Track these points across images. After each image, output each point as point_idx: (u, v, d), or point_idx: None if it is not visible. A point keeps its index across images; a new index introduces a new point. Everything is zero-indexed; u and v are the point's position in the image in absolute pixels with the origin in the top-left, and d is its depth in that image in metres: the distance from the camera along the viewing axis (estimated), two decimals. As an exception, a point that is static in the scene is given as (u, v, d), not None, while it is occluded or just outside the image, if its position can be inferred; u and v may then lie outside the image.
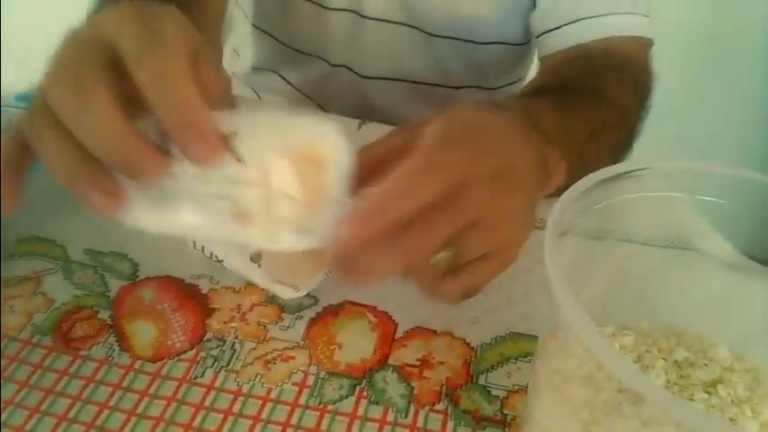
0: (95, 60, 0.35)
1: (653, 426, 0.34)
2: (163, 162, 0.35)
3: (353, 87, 0.84)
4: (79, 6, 0.57)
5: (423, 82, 0.82)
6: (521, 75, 0.87)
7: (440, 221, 0.38)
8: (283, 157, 0.36)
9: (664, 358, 0.40)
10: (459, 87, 0.83)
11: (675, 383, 0.38)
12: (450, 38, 0.78)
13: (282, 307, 0.52)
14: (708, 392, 0.38)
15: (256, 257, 0.39)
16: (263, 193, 0.36)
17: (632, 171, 0.42)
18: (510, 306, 0.53)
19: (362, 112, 0.85)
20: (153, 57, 0.34)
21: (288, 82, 0.89)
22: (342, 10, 0.78)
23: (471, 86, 0.84)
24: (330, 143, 0.37)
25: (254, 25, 0.88)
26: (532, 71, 0.87)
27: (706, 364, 0.39)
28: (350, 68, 0.82)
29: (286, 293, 0.49)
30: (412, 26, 0.77)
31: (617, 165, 0.41)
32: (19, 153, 0.38)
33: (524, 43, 0.80)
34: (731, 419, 0.37)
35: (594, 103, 0.60)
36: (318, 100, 0.89)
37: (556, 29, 0.70)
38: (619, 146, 0.62)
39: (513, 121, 0.44)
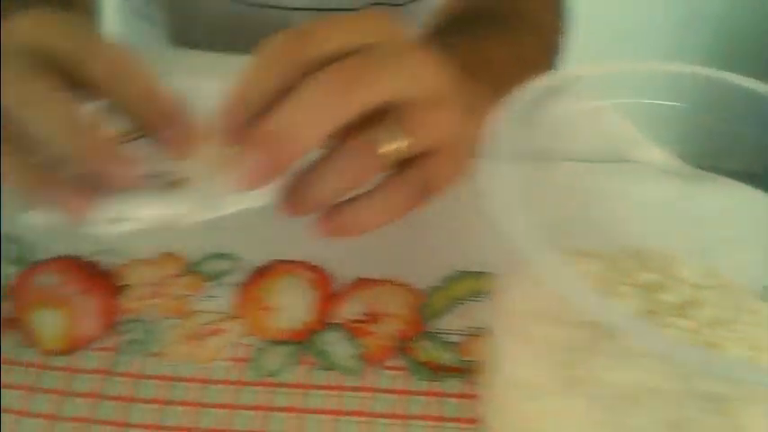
0: (33, 66, 0.33)
1: (634, 359, 0.31)
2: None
3: (235, 21, 0.76)
4: None
5: (324, 8, 0.75)
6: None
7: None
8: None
9: (630, 284, 0.37)
10: (362, 8, 0.77)
11: (649, 311, 0.35)
12: None
13: (204, 276, 0.47)
14: (681, 316, 0.35)
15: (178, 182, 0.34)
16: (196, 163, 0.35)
17: (561, 83, 0.37)
18: (451, 242, 0.49)
19: (246, 50, 0.77)
20: (105, 49, 0.33)
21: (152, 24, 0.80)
22: None
23: (375, 4, 0.77)
24: None
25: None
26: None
27: (674, 286, 0.37)
28: None
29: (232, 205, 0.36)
30: None
31: (544, 78, 0.36)
32: None
33: None
34: (711, 343, 0.34)
35: (516, 33, 0.55)
36: (188, 40, 0.79)
37: None
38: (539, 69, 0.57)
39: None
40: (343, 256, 0.48)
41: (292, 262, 0.47)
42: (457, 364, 0.42)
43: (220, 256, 0.48)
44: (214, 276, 0.46)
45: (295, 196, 0.36)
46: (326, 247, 0.48)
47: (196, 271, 0.47)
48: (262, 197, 0.36)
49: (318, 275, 0.47)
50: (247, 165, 0.33)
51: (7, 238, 0.48)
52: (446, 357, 0.42)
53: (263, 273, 0.47)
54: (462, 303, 0.45)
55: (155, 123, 0.34)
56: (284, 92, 0.33)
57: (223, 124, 0.34)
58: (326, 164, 0.35)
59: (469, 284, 0.47)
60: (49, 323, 0.43)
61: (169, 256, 0.47)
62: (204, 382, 0.41)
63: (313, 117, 0.32)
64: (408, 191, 0.38)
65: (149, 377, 0.41)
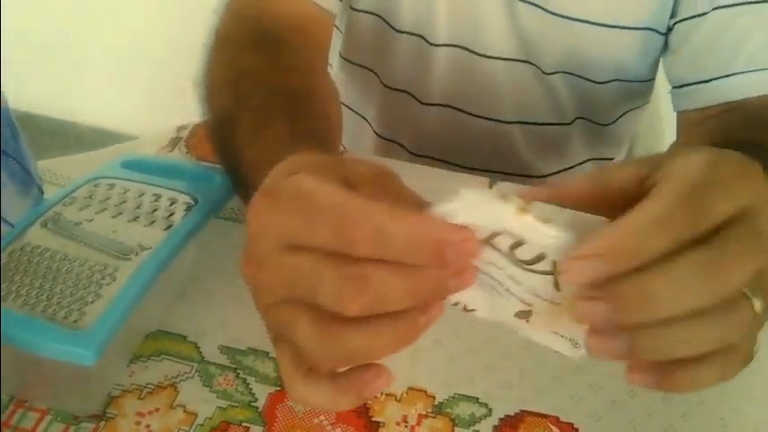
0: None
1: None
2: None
3: (450, 129, 0.77)
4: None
5: (536, 122, 0.76)
6: (637, 113, 0.80)
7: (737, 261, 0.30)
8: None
9: None
10: (570, 123, 0.77)
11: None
12: (567, 73, 0.71)
13: (454, 419, 0.46)
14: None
15: (524, 314, 0.34)
16: (551, 309, 0.33)
17: None
18: (703, 411, 0.47)
19: (459, 156, 0.79)
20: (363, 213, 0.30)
21: (364, 118, 0.83)
22: (450, 46, 0.71)
23: (582, 118, 0.77)
24: None
25: (341, 56, 0.81)
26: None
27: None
28: (453, 107, 0.75)
29: (564, 348, 0.35)
30: (527, 62, 0.71)
31: None
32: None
33: (647, 80, 0.74)
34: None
35: None
36: (403, 140, 0.82)
37: (703, 82, 0.63)
38: None
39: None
40: (593, 415, 0.46)
41: (542, 415, 0.46)
42: None
43: (468, 398, 0.47)
44: (464, 422, 0.46)
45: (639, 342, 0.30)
46: (576, 403, 0.47)
47: (444, 413, 0.46)
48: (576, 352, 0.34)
49: (570, 434, 0.45)
50: (591, 312, 0.30)
51: (263, 355, 0.49)
52: None
53: (512, 423, 0.46)
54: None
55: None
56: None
57: (588, 270, 0.29)
58: (694, 320, 0.30)
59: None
60: (305, 455, 0.43)
61: (416, 393, 0.47)
62: None
63: (679, 296, 0.29)
64: (738, 358, 0.33)
65: None
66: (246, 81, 0.54)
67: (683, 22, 0.64)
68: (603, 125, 0.78)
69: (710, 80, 0.62)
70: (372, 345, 0.31)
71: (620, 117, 0.79)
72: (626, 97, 0.76)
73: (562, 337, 0.34)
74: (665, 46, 0.68)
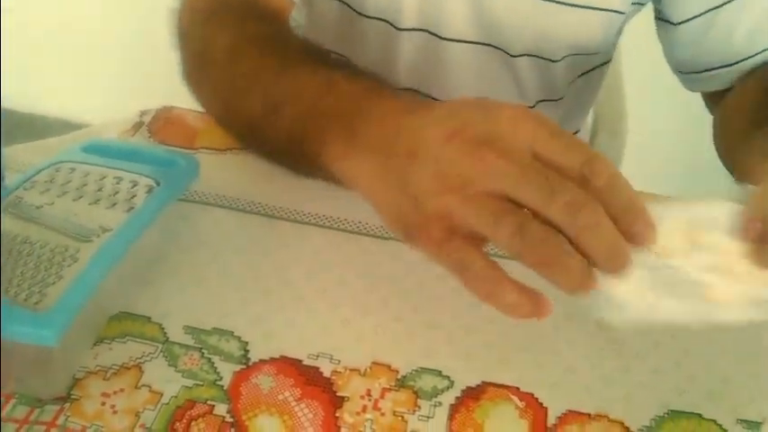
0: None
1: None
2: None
3: None
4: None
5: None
6: (591, 83, 0.81)
7: None
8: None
9: None
10: (533, 106, 0.78)
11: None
12: (532, 55, 0.72)
13: (417, 392, 0.47)
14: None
15: (712, 294, 0.39)
16: (729, 277, 0.39)
17: None
18: (660, 378, 0.48)
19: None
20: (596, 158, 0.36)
21: None
22: (415, 30, 0.72)
23: (543, 101, 0.78)
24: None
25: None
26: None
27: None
28: (419, 92, 0.76)
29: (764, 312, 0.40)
30: (492, 46, 0.71)
31: None
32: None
33: (597, 53, 0.75)
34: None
35: None
36: None
37: (731, 65, 0.66)
38: None
39: None
40: (554, 385, 0.47)
41: (503, 386, 0.47)
42: None
43: (430, 371, 0.48)
44: (426, 395, 0.47)
45: None
46: (537, 374, 0.48)
47: (407, 386, 0.47)
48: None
49: (530, 404, 0.46)
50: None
51: (228, 334, 0.49)
52: None
53: (474, 395, 0.47)
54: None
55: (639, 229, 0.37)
56: None
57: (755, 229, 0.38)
58: None
59: (682, 426, 0.46)
60: (269, 430, 0.44)
61: (380, 367, 0.48)
62: None
63: None
64: None
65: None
66: (275, 40, 0.56)
67: (702, 16, 0.66)
68: (559, 99, 0.79)
69: (739, 62, 0.66)
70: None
71: (571, 88, 0.80)
72: (579, 69, 0.77)
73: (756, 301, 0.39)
74: (671, 40, 0.70)
